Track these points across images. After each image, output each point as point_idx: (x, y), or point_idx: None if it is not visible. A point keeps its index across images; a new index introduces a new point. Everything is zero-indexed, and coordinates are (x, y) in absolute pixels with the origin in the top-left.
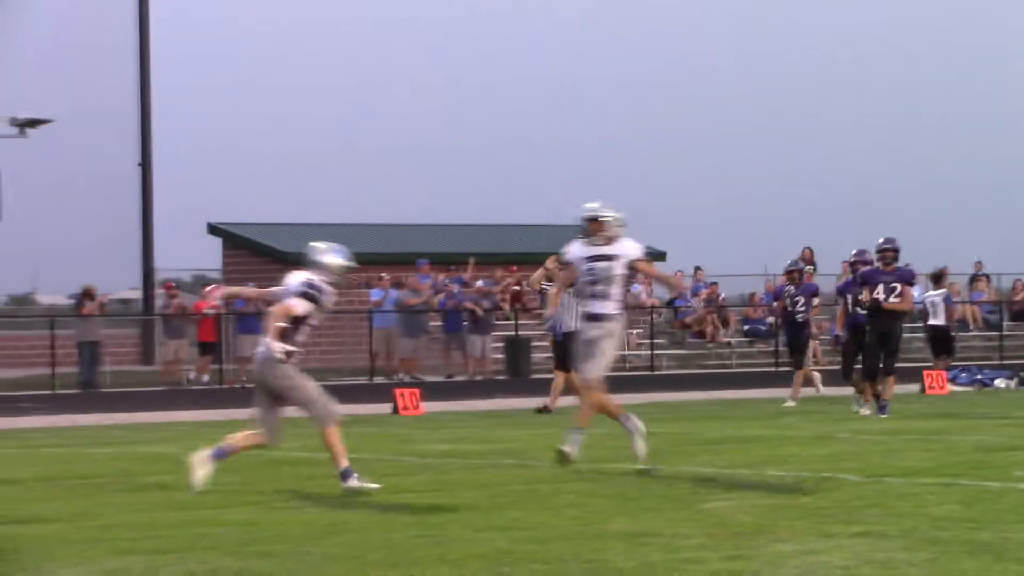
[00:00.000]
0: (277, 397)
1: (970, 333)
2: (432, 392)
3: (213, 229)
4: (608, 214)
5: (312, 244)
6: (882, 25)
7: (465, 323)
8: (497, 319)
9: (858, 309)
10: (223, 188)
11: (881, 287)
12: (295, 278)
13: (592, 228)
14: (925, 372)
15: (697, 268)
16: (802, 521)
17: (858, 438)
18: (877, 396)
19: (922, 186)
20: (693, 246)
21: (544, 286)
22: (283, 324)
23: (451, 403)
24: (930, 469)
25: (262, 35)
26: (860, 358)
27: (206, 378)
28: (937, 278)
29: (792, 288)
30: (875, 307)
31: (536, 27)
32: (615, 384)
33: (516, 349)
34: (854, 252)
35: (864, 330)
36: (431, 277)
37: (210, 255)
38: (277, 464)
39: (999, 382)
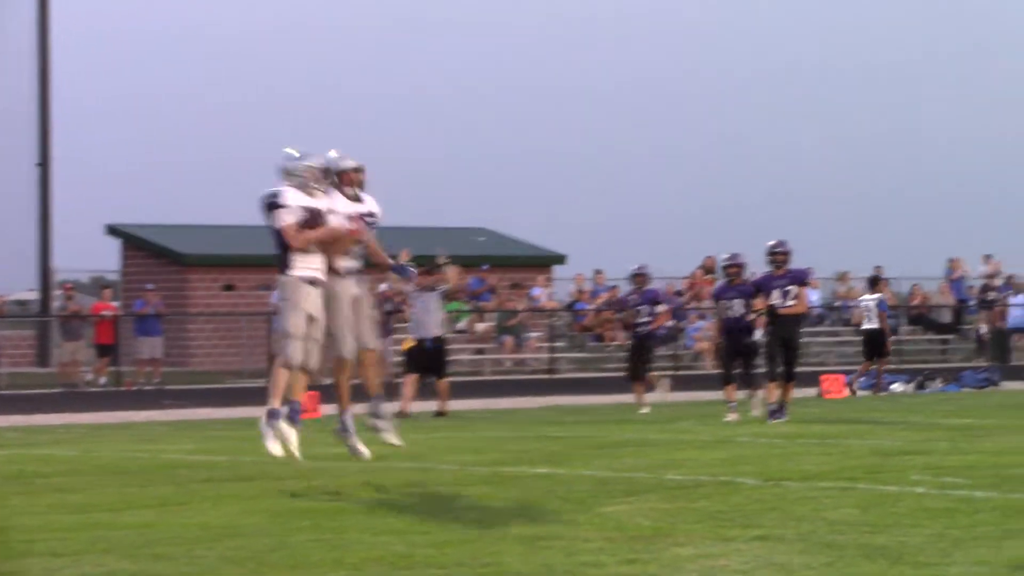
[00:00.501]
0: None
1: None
2: (332, 395)
3: (112, 230)
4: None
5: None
6: (786, 35)
7: None
8: (398, 323)
9: (730, 313)
10: (123, 189)
11: (776, 292)
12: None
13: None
14: (822, 376)
15: (597, 272)
16: (700, 525)
17: (757, 442)
18: (783, 403)
19: (822, 190)
20: (595, 250)
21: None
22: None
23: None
24: (828, 473)
25: (163, 36)
26: (732, 363)
27: (103, 380)
28: (873, 283)
29: (635, 296)
30: (772, 313)
31: (449, 34)
32: (515, 387)
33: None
34: (726, 256)
35: (738, 335)
36: None
37: (109, 257)
38: (173, 467)
39: (897, 386)
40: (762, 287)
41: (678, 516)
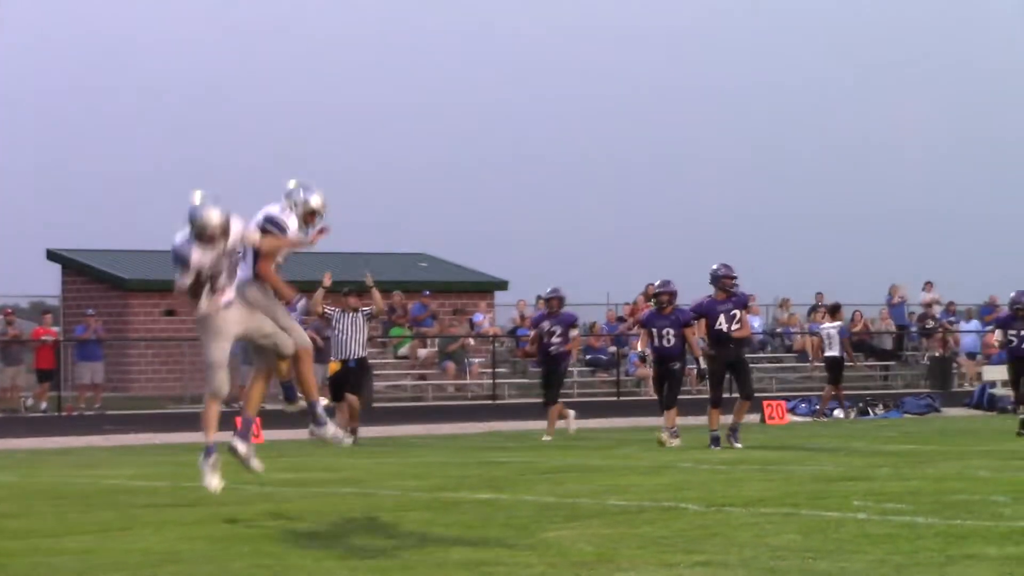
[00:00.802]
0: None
1: (808, 364)
2: (272, 420)
3: (52, 255)
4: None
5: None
6: (712, 56)
7: None
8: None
9: (664, 344)
10: (62, 214)
11: (722, 317)
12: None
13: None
14: (765, 402)
15: (539, 297)
16: (643, 551)
17: (699, 468)
18: (735, 428)
19: (765, 217)
20: (537, 276)
21: (327, 310)
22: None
23: (291, 432)
24: (770, 499)
25: (104, 59)
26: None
27: (44, 405)
28: (834, 311)
29: (547, 323)
30: (719, 338)
31: (387, 56)
32: (457, 413)
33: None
34: (657, 283)
35: (667, 362)
36: None
37: (49, 282)
38: (114, 492)
39: (838, 412)
40: (707, 312)
41: (621, 541)
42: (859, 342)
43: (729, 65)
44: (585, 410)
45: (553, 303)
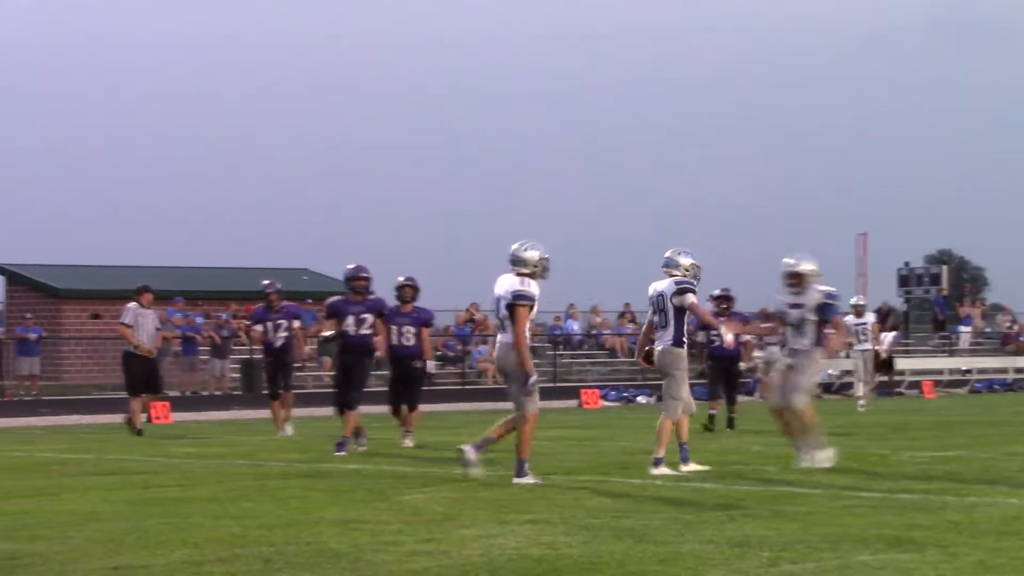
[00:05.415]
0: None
1: (618, 359)
2: (181, 404)
3: None
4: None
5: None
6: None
7: (207, 348)
8: (234, 345)
9: (401, 340)
10: (4, 232)
11: (351, 319)
12: (506, 283)
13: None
14: (581, 390)
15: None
16: (483, 511)
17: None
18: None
19: (578, 230)
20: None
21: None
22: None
23: (197, 414)
24: (586, 469)
25: (46, 77)
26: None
27: None
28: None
29: (273, 313)
30: (339, 337)
31: (276, 85)
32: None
33: (250, 370)
34: (401, 278)
35: (406, 362)
36: (183, 312)
37: None
38: (47, 464)
39: (641, 399)
40: (338, 311)
41: (465, 504)
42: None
43: (563, 81)
44: (437, 397)
45: (272, 297)
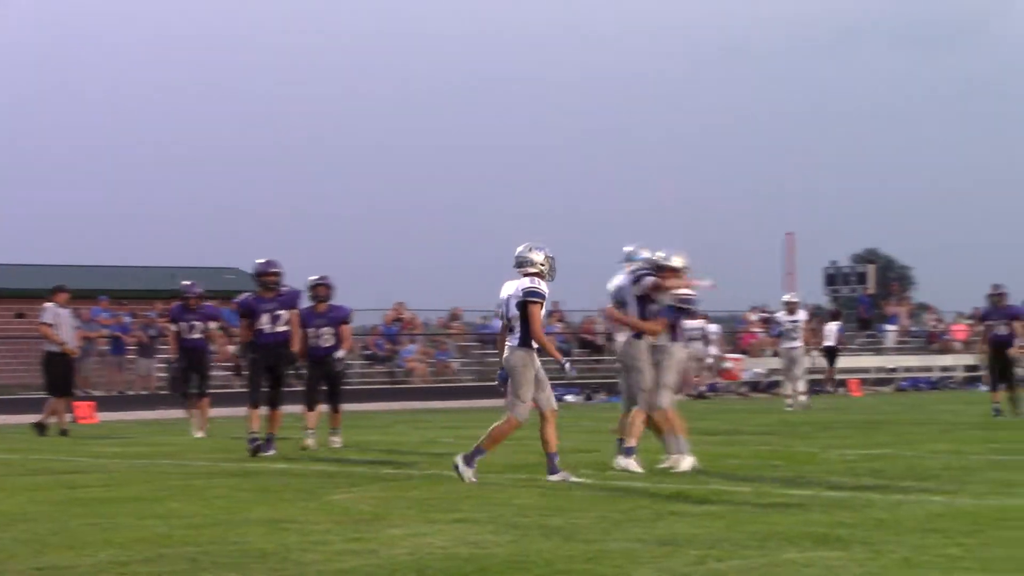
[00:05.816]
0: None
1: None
2: (107, 404)
3: None
4: None
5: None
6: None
7: (130, 347)
8: (160, 344)
9: (318, 341)
10: None
11: (266, 316)
12: (515, 284)
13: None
14: None
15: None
16: (411, 510)
17: (459, 443)
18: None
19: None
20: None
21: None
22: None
23: (123, 414)
24: (517, 467)
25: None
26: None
27: None
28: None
29: (192, 314)
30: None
31: (203, 89)
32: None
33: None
34: (313, 277)
35: (322, 362)
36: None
37: None
38: None
39: (569, 398)
40: (252, 310)
41: (393, 503)
42: (585, 341)
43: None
44: (361, 396)
45: (191, 301)
